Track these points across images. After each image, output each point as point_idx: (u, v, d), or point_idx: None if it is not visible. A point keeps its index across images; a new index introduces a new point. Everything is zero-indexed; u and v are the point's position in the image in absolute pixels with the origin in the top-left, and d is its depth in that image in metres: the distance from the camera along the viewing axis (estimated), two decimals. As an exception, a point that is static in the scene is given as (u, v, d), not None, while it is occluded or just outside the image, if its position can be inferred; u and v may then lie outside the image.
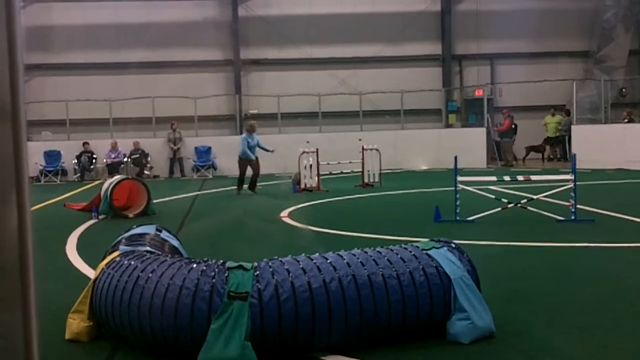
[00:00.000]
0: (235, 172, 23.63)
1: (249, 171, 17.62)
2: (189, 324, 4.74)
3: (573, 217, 11.00)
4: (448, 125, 27.60)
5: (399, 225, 11.53)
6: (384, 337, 5.11)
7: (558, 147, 26.24)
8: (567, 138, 24.93)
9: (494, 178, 13.09)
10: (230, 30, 27.55)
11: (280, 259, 5.14)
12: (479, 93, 27.09)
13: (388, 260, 5.23)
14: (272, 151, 18.08)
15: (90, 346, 5.36)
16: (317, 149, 18.02)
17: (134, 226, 6.53)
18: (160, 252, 5.81)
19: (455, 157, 11.41)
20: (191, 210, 14.54)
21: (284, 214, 13.11)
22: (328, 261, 5.12)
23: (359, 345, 5.03)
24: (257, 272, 4.87)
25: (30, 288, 1.39)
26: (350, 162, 19.04)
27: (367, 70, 27.70)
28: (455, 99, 28.56)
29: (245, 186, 17.59)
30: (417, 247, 5.50)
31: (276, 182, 20.75)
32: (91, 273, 7.22)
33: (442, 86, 28.05)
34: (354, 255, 5.26)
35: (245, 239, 10.74)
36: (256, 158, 17.54)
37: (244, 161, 17.49)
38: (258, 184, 17.75)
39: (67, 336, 5.43)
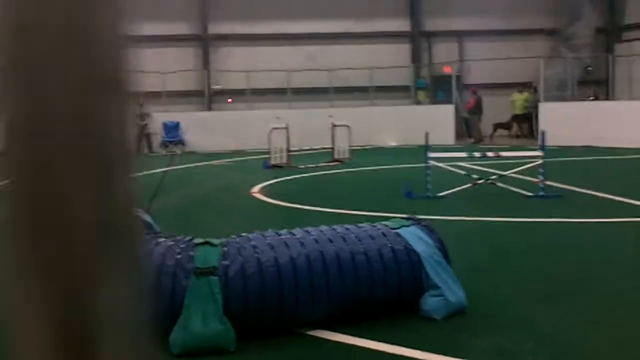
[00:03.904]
0: (204, 147, 23.59)
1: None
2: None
3: (542, 193, 11.07)
4: (417, 102, 27.58)
5: (369, 201, 11.49)
6: (352, 313, 5.08)
7: (525, 124, 26.38)
8: (534, 115, 25.06)
9: (464, 154, 13.12)
10: (198, 4, 27.17)
11: (247, 235, 5.07)
12: (447, 70, 27.08)
13: (356, 237, 5.19)
14: None
15: None
16: (287, 125, 17.79)
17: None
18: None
19: (427, 133, 11.38)
20: (161, 185, 14.33)
21: (255, 189, 13.02)
22: (296, 237, 5.06)
23: (335, 321, 4.99)
24: (225, 248, 4.80)
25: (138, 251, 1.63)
26: (322, 139, 18.95)
27: (337, 47, 27.51)
28: (424, 75, 28.53)
29: None
30: (386, 225, 5.48)
31: (247, 157, 20.62)
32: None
33: (411, 63, 27.99)
34: (322, 232, 5.21)
35: (215, 215, 10.64)
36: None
37: None
38: (229, 159, 17.26)
39: None
